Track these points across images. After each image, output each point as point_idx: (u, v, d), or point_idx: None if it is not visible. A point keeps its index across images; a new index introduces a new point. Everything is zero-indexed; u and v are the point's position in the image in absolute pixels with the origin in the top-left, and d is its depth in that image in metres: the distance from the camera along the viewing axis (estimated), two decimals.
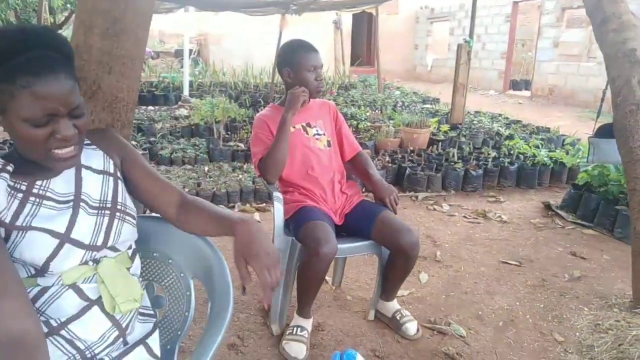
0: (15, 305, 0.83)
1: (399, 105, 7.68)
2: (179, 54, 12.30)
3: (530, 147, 4.91)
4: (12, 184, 0.95)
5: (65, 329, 0.96)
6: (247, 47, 11.46)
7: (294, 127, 2.11)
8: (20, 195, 0.95)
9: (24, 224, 0.93)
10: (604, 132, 2.86)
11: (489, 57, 12.56)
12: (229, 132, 5.31)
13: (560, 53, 10.28)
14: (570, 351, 2.01)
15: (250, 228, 1.04)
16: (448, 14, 14.06)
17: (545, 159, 4.56)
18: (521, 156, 4.71)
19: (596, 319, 2.19)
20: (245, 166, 4.31)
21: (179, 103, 7.43)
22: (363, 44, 15.41)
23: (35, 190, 0.97)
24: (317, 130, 2.16)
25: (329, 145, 2.18)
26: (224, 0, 5.58)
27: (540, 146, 5.05)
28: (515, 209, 3.86)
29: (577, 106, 9.45)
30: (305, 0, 6.01)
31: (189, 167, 4.34)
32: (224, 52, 11.24)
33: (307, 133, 2.14)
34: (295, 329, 1.96)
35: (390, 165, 4.42)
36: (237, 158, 4.63)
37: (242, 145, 4.82)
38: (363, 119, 6.13)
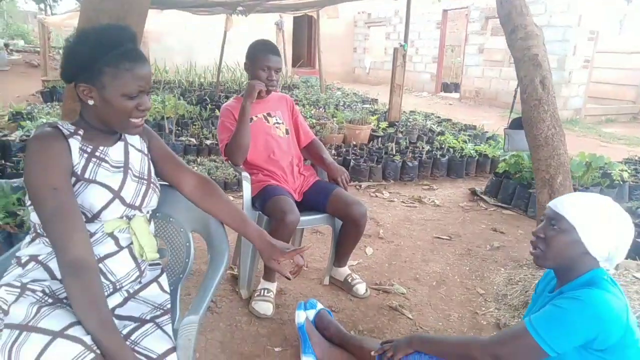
0: (82, 238, 1.10)
1: (340, 104, 8.10)
2: None
3: (459, 142, 5.48)
4: (81, 145, 1.19)
5: (103, 262, 1.21)
6: (189, 45, 11.45)
7: (256, 117, 2.39)
8: (85, 155, 1.20)
9: (90, 177, 1.19)
10: (516, 124, 3.38)
11: (422, 61, 13.38)
12: (179, 128, 5.45)
13: (485, 59, 11.20)
14: (489, 300, 2.46)
15: (268, 239, 1.37)
16: (384, 20, 14.79)
17: (472, 151, 5.14)
18: (451, 150, 5.25)
19: (510, 275, 2.67)
20: (199, 159, 4.50)
21: None
22: (304, 46, 15.81)
23: (97, 154, 1.22)
24: (276, 120, 2.45)
25: (287, 133, 2.48)
26: None
27: (467, 141, 5.65)
28: (446, 195, 4.36)
29: (500, 107, 10.37)
30: (252, 2, 6.25)
31: None
32: (164, 50, 11.15)
33: (268, 122, 2.42)
34: (262, 290, 2.25)
35: (335, 157, 4.79)
36: (190, 152, 4.80)
37: (193, 140, 4.99)
38: (308, 116, 6.47)
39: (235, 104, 2.38)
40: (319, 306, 1.98)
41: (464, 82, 11.79)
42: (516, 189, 4.09)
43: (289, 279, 1.40)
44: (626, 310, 1.21)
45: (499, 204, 4.12)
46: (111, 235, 1.23)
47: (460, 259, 2.96)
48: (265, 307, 2.19)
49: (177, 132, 5.30)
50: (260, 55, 2.30)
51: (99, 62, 1.13)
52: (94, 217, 1.19)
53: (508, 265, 2.86)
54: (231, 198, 3.94)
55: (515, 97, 3.56)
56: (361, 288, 2.44)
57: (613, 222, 1.24)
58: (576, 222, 1.24)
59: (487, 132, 6.48)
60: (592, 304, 1.18)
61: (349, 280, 2.46)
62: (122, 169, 1.26)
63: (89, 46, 1.14)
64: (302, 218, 2.19)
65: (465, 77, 11.75)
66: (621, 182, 4.21)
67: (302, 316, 1.90)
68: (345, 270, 2.51)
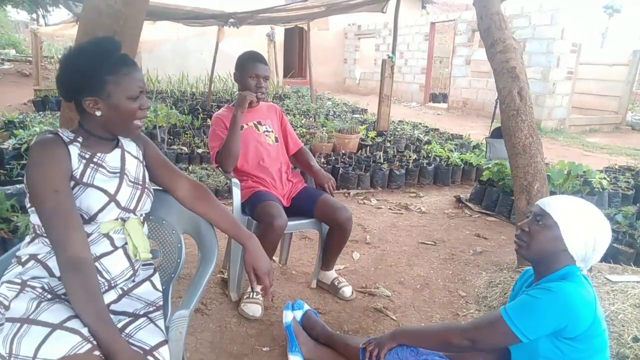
0: (80, 237, 1.19)
1: (330, 114, 8.22)
2: None
3: (445, 151, 5.61)
4: (80, 151, 1.28)
5: (99, 261, 1.28)
6: (181, 56, 11.55)
7: (247, 125, 2.48)
8: (84, 161, 1.29)
9: (88, 182, 1.27)
10: (497, 133, 3.51)
11: (411, 72, 13.60)
12: (171, 137, 5.53)
13: (472, 70, 11.42)
14: (470, 302, 2.55)
15: (257, 244, 1.45)
16: (373, 31, 15.02)
17: (458, 160, 5.27)
18: (437, 158, 5.38)
19: (490, 278, 2.76)
20: (190, 167, 4.57)
21: None
22: (295, 57, 15.98)
23: (95, 160, 1.31)
24: (266, 128, 2.55)
25: (276, 141, 2.57)
26: (165, 11, 5.79)
27: (453, 150, 5.78)
28: (432, 202, 4.47)
29: (487, 117, 10.52)
30: (243, 15, 6.38)
31: None
32: (157, 61, 11.23)
33: (258, 130, 2.52)
34: (251, 293, 2.32)
35: (325, 166, 4.89)
36: (182, 160, 4.87)
37: (185, 149, 5.06)
38: (299, 126, 6.59)
39: (226, 113, 2.47)
40: (306, 307, 2.06)
41: (452, 92, 12.00)
42: (499, 196, 4.21)
43: (252, 289, 1.48)
44: (595, 302, 1.31)
45: (483, 210, 4.23)
46: (107, 235, 1.31)
47: (444, 264, 3.06)
48: (254, 309, 2.26)
49: (169, 140, 5.38)
50: (248, 64, 2.41)
51: (99, 73, 1.22)
52: (91, 219, 1.27)
53: (489, 269, 2.96)
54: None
55: (496, 107, 3.68)
56: (347, 291, 2.52)
57: (594, 226, 1.33)
58: (560, 220, 1.34)
59: (472, 141, 6.63)
60: (563, 296, 1.28)
61: (336, 284, 2.54)
62: (118, 174, 1.35)
63: (87, 62, 1.23)
64: (290, 222, 2.27)
65: (452, 87, 11.96)
66: (601, 190, 4.34)
67: (289, 316, 1.98)
68: (332, 274, 2.59)
